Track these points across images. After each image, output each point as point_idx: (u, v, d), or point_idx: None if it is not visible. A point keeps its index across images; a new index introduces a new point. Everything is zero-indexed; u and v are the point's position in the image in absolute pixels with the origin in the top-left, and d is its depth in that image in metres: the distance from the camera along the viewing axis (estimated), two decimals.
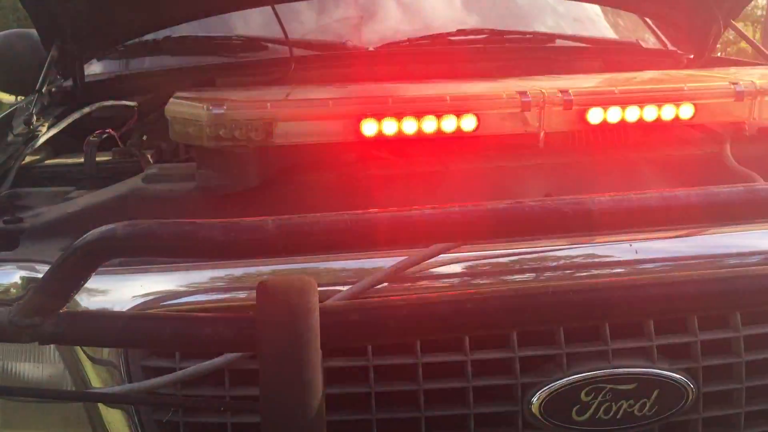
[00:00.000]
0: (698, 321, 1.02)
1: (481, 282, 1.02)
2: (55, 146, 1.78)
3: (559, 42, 2.37)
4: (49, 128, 1.76)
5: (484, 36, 2.31)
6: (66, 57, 1.97)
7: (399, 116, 1.15)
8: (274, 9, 1.94)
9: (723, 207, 0.81)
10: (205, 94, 1.26)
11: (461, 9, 2.46)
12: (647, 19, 2.52)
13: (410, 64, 2.14)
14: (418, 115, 1.16)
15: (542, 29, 2.39)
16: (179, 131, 1.17)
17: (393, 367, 0.99)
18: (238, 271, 1.03)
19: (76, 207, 1.25)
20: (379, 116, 1.14)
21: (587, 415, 0.99)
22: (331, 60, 2.09)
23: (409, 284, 1.01)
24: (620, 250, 1.04)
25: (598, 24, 2.51)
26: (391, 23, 2.32)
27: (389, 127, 1.15)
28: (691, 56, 2.34)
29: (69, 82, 2.07)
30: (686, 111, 1.24)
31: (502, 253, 1.04)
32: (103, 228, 0.77)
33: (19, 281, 1.07)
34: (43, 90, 1.89)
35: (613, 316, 0.94)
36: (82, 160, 1.54)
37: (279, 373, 0.74)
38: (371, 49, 2.19)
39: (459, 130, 1.18)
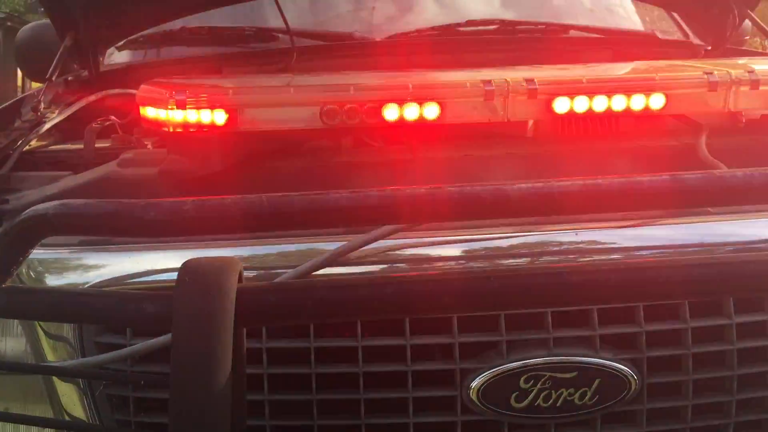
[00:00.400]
0: (645, 312, 1.01)
1: (425, 266, 1.03)
2: (64, 133, 1.83)
3: (572, 33, 2.34)
4: (57, 115, 1.82)
5: (494, 27, 2.30)
6: (80, 47, 2.02)
7: (361, 104, 1.16)
8: (276, 1, 1.97)
9: (640, 195, 0.81)
10: (174, 81, 1.29)
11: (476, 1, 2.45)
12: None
13: (416, 54, 2.14)
14: (380, 103, 1.17)
15: (555, 20, 2.37)
16: (147, 117, 1.21)
17: (334, 349, 1.01)
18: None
19: (56, 189, 1.30)
20: (341, 104, 1.16)
21: (526, 402, 1.00)
22: (336, 50, 2.11)
23: (357, 267, 1.03)
24: (566, 236, 1.04)
25: (617, 15, 2.48)
26: (402, 15, 2.33)
27: (351, 115, 1.16)
28: (709, 47, 2.29)
29: (85, 72, 2.13)
30: (657, 101, 1.22)
31: (450, 239, 1.05)
32: (38, 207, 0.81)
33: None
34: (54, 78, 1.95)
35: (553, 302, 0.95)
36: (82, 146, 1.59)
37: (188, 350, 0.76)
38: (378, 39, 2.21)
39: (422, 118, 1.19)
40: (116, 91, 1.92)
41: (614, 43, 2.22)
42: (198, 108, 1.15)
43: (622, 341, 1.02)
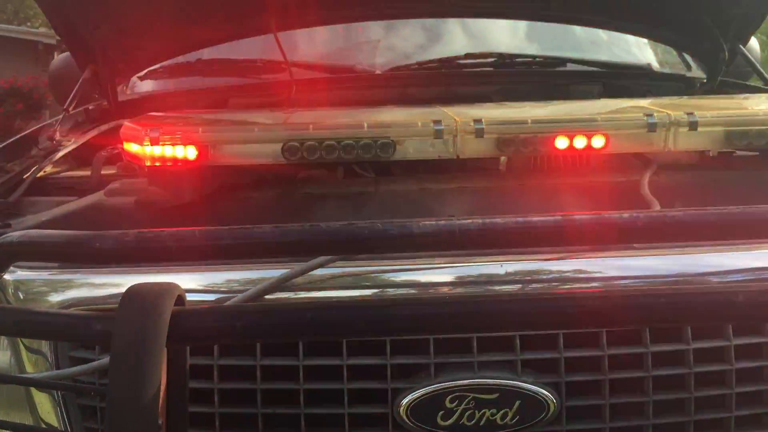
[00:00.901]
0: (565, 339, 1.09)
1: (353, 294, 1.13)
2: (79, 159, 1.97)
3: (569, 66, 2.42)
4: (72, 143, 1.97)
5: (492, 59, 2.39)
6: (99, 79, 2.17)
7: (320, 142, 1.27)
8: (276, 37, 2.10)
9: (532, 233, 0.89)
10: (152, 119, 1.41)
11: (474, 37, 2.54)
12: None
13: (414, 86, 2.25)
14: (340, 141, 1.28)
15: (551, 53, 2.45)
16: (128, 152, 1.33)
17: (278, 368, 1.11)
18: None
19: (52, 215, 1.43)
20: (301, 141, 1.27)
21: (451, 420, 1.08)
22: (335, 82, 2.23)
23: (300, 292, 1.13)
24: (491, 268, 1.13)
25: (617, 47, 2.55)
26: (401, 48, 2.44)
27: (311, 151, 1.27)
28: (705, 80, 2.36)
29: (105, 102, 2.28)
30: (598, 141, 1.31)
31: (382, 269, 1.14)
32: (5, 236, 0.92)
33: None
34: (71, 109, 2.10)
35: (476, 329, 1.04)
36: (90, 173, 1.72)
37: (123, 365, 0.86)
38: (378, 72, 2.32)
39: (376, 155, 1.29)
40: (125, 121, 2.06)
41: (603, 77, 2.29)
42: (172, 144, 1.27)
43: (543, 366, 1.10)
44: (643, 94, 2.25)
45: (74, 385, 1.10)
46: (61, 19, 1.98)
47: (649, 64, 2.49)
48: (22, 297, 1.17)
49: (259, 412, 1.11)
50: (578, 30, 2.45)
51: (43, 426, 1.18)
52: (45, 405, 1.17)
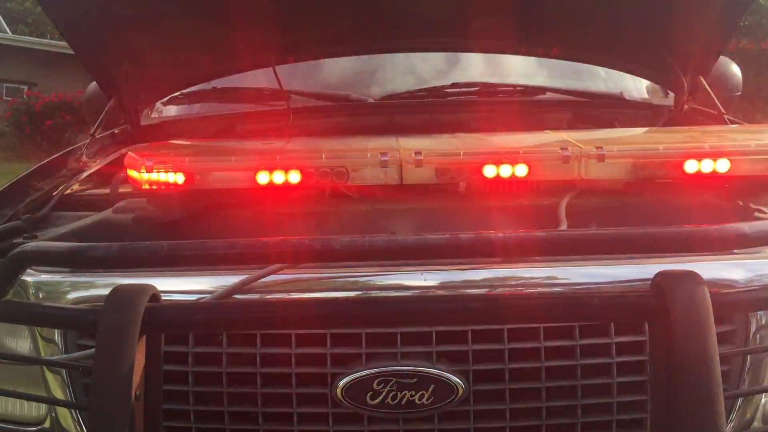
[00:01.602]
0: (473, 335, 1.33)
1: (305, 296, 1.38)
2: (104, 178, 2.26)
3: (549, 94, 2.66)
4: (97, 165, 2.26)
5: (476, 89, 2.64)
6: (123, 106, 2.47)
7: (286, 169, 1.53)
8: (274, 69, 2.37)
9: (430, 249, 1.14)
10: (148, 149, 1.69)
11: (460, 68, 2.78)
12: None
13: (402, 114, 2.51)
14: (303, 169, 1.54)
15: (531, 83, 2.68)
16: (130, 177, 1.61)
17: (241, 355, 1.36)
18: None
19: (69, 228, 1.71)
20: (270, 169, 1.53)
21: (378, 400, 1.32)
22: (329, 110, 2.49)
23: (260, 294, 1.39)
24: (414, 277, 1.37)
25: (590, 78, 2.76)
26: (393, 78, 2.70)
27: (278, 177, 1.54)
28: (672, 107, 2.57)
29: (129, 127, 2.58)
30: (521, 170, 1.54)
31: (324, 276, 1.39)
32: (23, 246, 1.20)
33: None
34: (97, 134, 2.40)
35: (399, 324, 1.30)
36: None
37: (104, 350, 1.13)
38: (371, 101, 2.58)
39: (332, 181, 1.54)
40: (143, 145, 2.35)
41: (574, 105, 2.51)
42: (164, 171, 1.55)
43: (455, 357, 1.34)
44: (610, 122, 2.48)
45: (66, 363, 1.37)
46: (89, 55, 2.28)
47: (621, 93, 2.70)
48: (41, 296, 1.44)
49: (225, 391, 1.36)
50: (553, 62, 2.68)
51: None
52: (55, 383, 1.44)
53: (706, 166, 1.53)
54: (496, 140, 1.76)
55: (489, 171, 1.54)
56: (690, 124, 2.35)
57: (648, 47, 2.38)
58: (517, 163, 1.54)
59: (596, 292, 1.31)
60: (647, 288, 1.18)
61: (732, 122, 2.31)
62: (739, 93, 3.18)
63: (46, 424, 1.47)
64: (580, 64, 2.75)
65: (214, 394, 1.37)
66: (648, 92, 2.84)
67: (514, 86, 2.66)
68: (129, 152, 1.64)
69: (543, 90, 2.66)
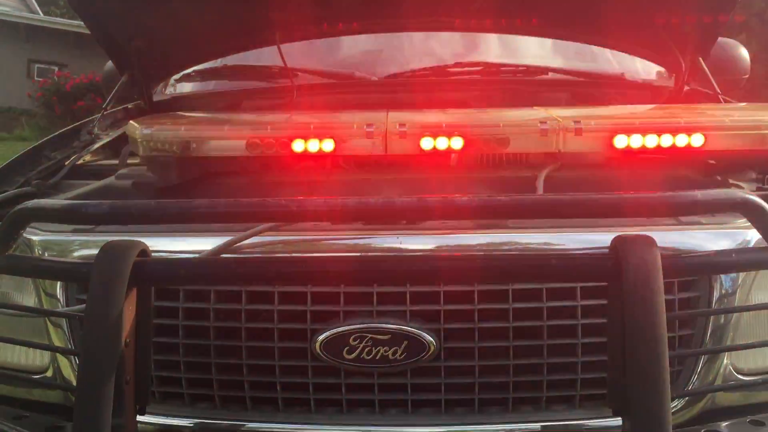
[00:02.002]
0: (445, 295, 1.41)
1: (283, 255, 1.46)
2: (115, 150, 2.36)
3: (551, 74, 2.71)
4: (108, 137, 2.36)
5: (479, 68, 2.69)
6: (136, 82, 2.57)
7: (277, 139, 1.61)
8: (279, 47, 2.45)
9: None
10: (148, 120, 1.78)
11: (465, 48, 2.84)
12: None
13: (405, 92, 2.57)
14: (291, 138, 1.62)
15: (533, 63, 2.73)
16: (131, 144, 1.70)
17: (227, 310, 1.45)
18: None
19: (75, 193, 1.81)
20: (261, 138, 1.61)
21: (354, 354, 1.40)
22: (333, 87, 2.57)
23: (241, 254, 1.47)
24: (390, 240, 1.45)
25: (591, 58, 2.81)
26: (396, 57, 2.76)
27: (269, 147, 1.62)
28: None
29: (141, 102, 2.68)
30: (501, 142, 1.61)
31: (305, 238, 1.47)
32: (24, 204, 1.29)
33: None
34: (109, 108, 2.50)
35: (372, 280, 1.37)
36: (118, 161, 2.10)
37: (95, 299, 1.21)
38: (375, 78, 2.65)
39: (320, 151, 1.62)
40: (147, 116, 2.44)
41: (572, 85, 2.56)
42: (162, 139, 1.63)
43: (428, 316, 1.41)
44: (608, 101, 2.52)
45: (65, 313, 1.47)
46: (102, 32, 2.37)
47: (622, 74, 2.74)
48: (46, 254, 1.54)
49: (212, 344, 1.45)
50: (558, 43, 2.72)
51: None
52: (57, 335, 1.54)
53: (681, 140, 1.58)
54: (482, 115, 1.83)
55: (470, 143, 1.61)
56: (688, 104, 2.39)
57: (647, 28, 2.42)
58: (497, 135, 1.60)
59: (557, 255, 1.38)
60: (606, 251, 1.24)
61: (726, 102, 2.35)
62: (747, 76, 3.21)
63: (48, 373, 1.57)
64: (585, 45, 2.80)
65: (202, 347, 1.46)
66: (650, 74, 2.87)
67: (516, 66, 2.71)
68: (130, 122, 1.73)
69: (545, 70, 2.70)
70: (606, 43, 2.57)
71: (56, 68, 19.98)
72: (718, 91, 2.38)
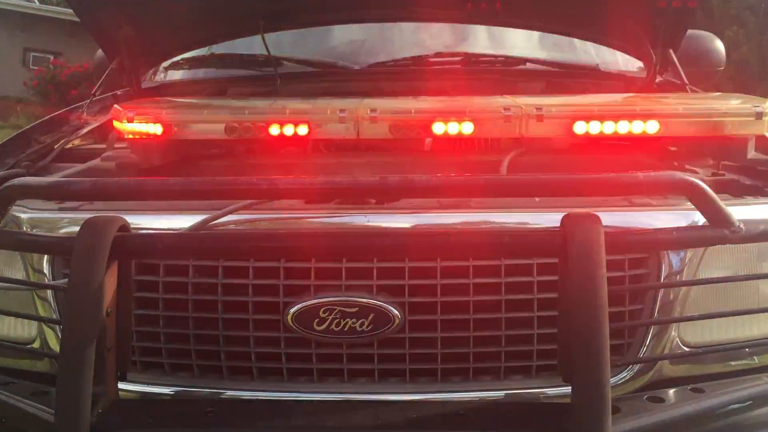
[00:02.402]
0: (410, 271, 1.49)
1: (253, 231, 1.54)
2: (104, 134, 2.44)
3: (528, 65, 2.79)
4: (96, 122, 2.44)
5: (459, 58, 2.78)
6: (124, 70, 2.65)
7: (253, 123, 1.70)
8: (263, 36, 2.53)
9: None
10: (131, 104, 1.86)
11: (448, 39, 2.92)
12: None
13: (387, 81, 2.65)
14: (268, 122, 1.70)
15: (511, 53, 2.81)
16: (117, 128, 1.78)
17: (205, 284, 1.54)
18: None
19: (63, 174, 1.89)
20: (239, 123, 1.70)
21: (324, 326, 1.49)
22: (316, 76, 2.65)
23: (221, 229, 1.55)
24: (357, 218, 1.53)
25: (568, 49, 2.89)
26: (378, 47, 2.84)
27: (246, 130, 1.70)
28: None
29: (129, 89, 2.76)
30: (467, 127, 1.70)
31: (278, 216, 1.55)
32: (11, 181, 1.38)
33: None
34: (98, 94, 2.57)
35: (345, 255, 1.46)
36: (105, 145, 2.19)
37: (76, 273, 1.30)
38: (357, 68, 2.73)
39: (296, 134, 1.71)
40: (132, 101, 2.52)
41: (547, 75, 2.65)
42: (145, 122, 1.72)
43: (393, 290, 1.50)
44: (582, 91, 2.61)
45: (50, 285, 1.56)
46: (91, 18, 2.45)
47: (597, 65, 2.82)
48: (33, 231, 1.62)
49: (190, 316, 1.54)
50: (534, 34, 2.81)
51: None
52: (43, 308, 1.62)
53: (637, 127, 1.67)
54: (451, 102, 1.91)
55: (438, 128, 1.69)
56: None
57: (620, 22, 2.51)
58: (463, 120, 1.69)
59: (511, 231, 1.46)
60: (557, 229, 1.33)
61: (693, 92, 2.44)
62: (722, 68, 3.30)
63: (36, 344, 1.65)
64: (563, 37, 2.88)
65: (181, 319, 1.55)
66: (625, 65, 2.96)
67: (495, 56, 2.79)
68: (115, 106, 1.81)
69: (523, 60, 2.79)
70: (581, 34, 2.66)
71: (52, 56, 20.01)
72: (686, 81, 2.47)
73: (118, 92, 2.83)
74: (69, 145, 2.26)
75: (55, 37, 20.18)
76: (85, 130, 2.38)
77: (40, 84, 17.83)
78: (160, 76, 2.94)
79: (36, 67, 19.12)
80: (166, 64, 2.87)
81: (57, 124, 2.42)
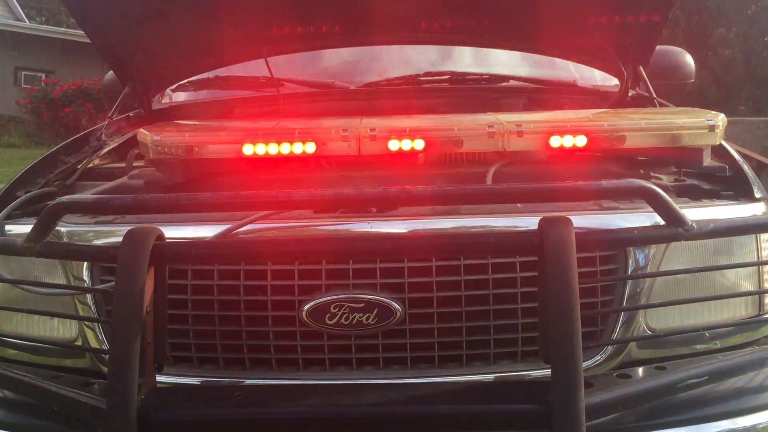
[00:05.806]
0: (409, 270, 1.70)
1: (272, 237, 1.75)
2: (120, 154, 2.64)
3: (511, 82, 3.02)
4: (115, 143, 2.65)
5: (446, 77, 3.01)
6: (137, 93, 2.86)
7: (266, 142, 1.91)
8: (266, 60, 2.75)
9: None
10: (156, 127, 2.07)
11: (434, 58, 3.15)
12: None
13: (380, 99, 2.88)
14: (278, 141, 1.92)
15: (494, 72, 3.04)
16: (142, 149, 2.00)
17: (228, 286, 1.74)
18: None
19: (97, 190, 2.09)
20: (253, 142, 1.91)
21: (334, 320, 1.70)
22: (316, 96, 2.87)
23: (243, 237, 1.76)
24: (361, 225, 1.75)
25: (547, 67, 3.13)
26: (373, 68, 3.07)
27: (260, 149, 1.91)
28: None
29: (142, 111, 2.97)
30: (456, 144, 1.91)
31: (294, 225, 1.77)
32: (57, 200, 1.59)
33: None
34: (114, 117, 2.78)
35: (352, 258, 1.67)
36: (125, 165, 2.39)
37: (122, 278, 1.50)
38: (353, 87, 2.95)
39: (304, 152, 1.92)
40: (154, 124, 2.73)
41: (528, 91, 2.88)
42: (169, 144, 1.93)
43: (395, 287, 1.71)
44: (560, 106, 2.84)
45: (95, 289, 1.76)
46: (105, 47, 2.66)
47: (575, 81, 3.06)
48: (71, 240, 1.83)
49: (216, 314, 1.75)
50: (520, 54, 3.05)
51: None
52: (84, 312, 1.83)
53: (605, 140, 1.89)
54: (441, 120, 2.13)
55: (430, 145, 1.91)
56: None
57: (593, 42, 2.73)
58: (452, 137, 1.91)
59: (496, 233, 1.68)
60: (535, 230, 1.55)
61: (662, 105, 2.67)
62: (692, 81, 3.54)
63: (77, 343, 1.86)
64: (543, 56, 3.11)
65: (208, 317, 1.76)
66: (601, 81, 3.19)
67: (480, 75, 3.02)
68: (141, 129, 2.02)
69: (506, 78, 3.02)
70: (557, 54, 2.89)
71: (43, 75, 20.19)
72: (654, 95, 2.70)
73: (131, 114, 3.04)
74: (90, 164, 2.46)
75: (46, 55, 20.40)
76: (104, 151, 2.58)
77: (33, 102, 18.00)
78: (168, 99, 3.16)
79: (28, 86, 19.28)
80: (174, 87, 3.08)
81: (79, 145, 2.62)
